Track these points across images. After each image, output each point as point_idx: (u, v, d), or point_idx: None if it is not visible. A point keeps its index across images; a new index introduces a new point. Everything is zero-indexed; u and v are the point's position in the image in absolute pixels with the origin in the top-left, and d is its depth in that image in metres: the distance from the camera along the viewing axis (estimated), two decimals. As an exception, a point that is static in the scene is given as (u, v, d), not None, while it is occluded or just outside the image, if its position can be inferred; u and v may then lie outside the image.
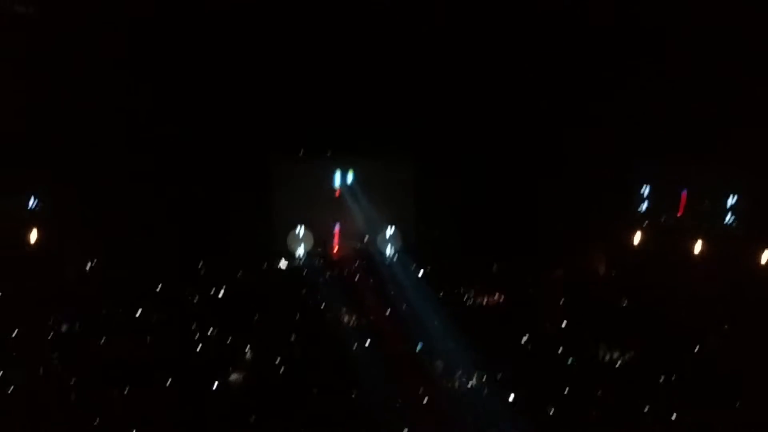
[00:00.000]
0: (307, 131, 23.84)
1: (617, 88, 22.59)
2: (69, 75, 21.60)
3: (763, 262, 22.24)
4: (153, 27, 21.77)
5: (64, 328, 17.92)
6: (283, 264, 24.26)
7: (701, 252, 23.81)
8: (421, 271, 22.75)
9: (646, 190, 26.19)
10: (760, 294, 19.75)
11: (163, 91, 22.46)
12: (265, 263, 23.91)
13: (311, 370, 16.17)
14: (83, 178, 22.54)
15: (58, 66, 21.30)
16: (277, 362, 16.58)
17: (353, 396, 15.27)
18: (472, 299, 20.64)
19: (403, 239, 25.14)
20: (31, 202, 24.37)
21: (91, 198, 22.62)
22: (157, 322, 18.47)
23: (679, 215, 25.87)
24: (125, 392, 14.88)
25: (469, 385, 15.68)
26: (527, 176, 23.65)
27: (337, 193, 25.46)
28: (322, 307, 19.82)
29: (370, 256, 24.46)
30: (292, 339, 17.78)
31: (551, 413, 15.03)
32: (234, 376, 16.58)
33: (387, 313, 19.13)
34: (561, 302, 20.14)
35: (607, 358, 17.20)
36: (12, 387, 14.81)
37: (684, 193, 25.54)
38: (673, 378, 15.91)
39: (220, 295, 20.48)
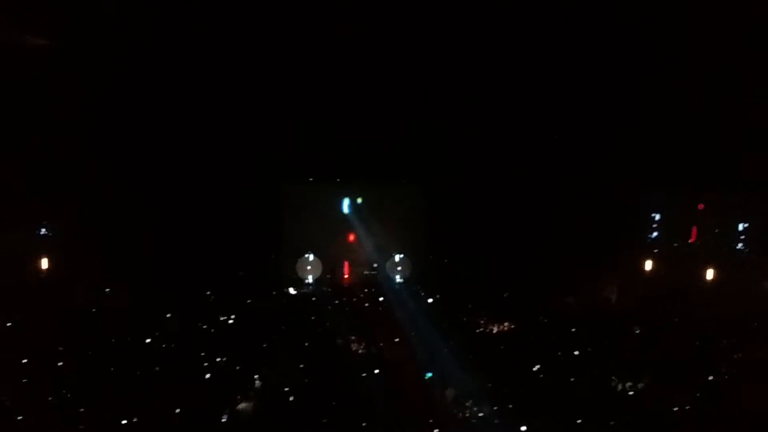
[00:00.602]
0: (317, 158, 23.96)
1: (628, 117, 22.65)
2: (79, 106, 21.84)
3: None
4: (166, 63, 22.05)
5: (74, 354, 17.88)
6: (292, 291, 24.24)
7: (714, 279, 23.65)
8: (431, 298, 22.65)
9: (657, 218, 26.14)
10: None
11: (174, 123, 22.69)
12: (275, 290, 23.89)
13: (321, 398, 16.02)
14: (94, 207, 22.71)
15: (68, 98, 21.55)
16: (286, 390, 16.44)
17: (363, 425, 15.12)
18: (482, 327, 20.49)
19: (413, 266, 25.10)
20: (42, 231, 24.59)
21: (102, 227, 22.76)
22: (166, 349, 18.42)
23: (691, 242, 25.77)
24: (135, 420, 14.77)
25: (480, 414, 15.49)
26: (538, 204, 23.64)
27: (347, 219, 25.51)
28: (331, 335, 19.71)
29: (380, 283, 24.40)
30: (302, 367, 17.64)
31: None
32: (242, 405, 16.46)
33: (397, 341, 18.99)
34: (573, 330, 19.97)
35: (620, 387, 16.99)
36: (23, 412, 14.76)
37: (696, 221, 25.45)
38: (686, 407, 15.68)
39: (230, 323, 20.42)
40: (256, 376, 17.26)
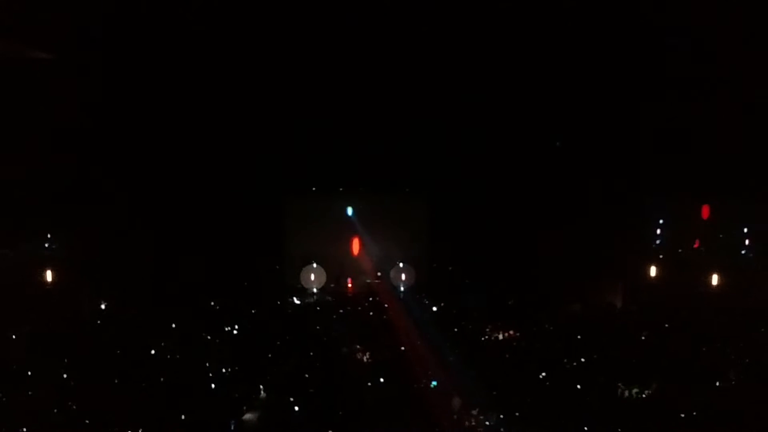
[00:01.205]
0: (320, 167, 23.98)
1: (633, 122, 22.63)
2: (83, 117, 21.91)
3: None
4: (171, 74, 22.13)
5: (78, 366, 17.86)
6: (296, 300, 24.20)
7: (719, 284, 23.57)
8: (436, 306, 22.59)
9: (662, 224, 26.08)
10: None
11: (177, 134, 22.75)
12: (279, 300, 23.87)
13: (326, 407, 15.97)
14: (98, 218, 22.73)
15: (72, 109, 21.62)
16: (291, 400, 16.40)
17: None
18: (487, 334, 20.43)
19: (417, 274, 25.04)
20: (46, 244, 24.62)
21: (106, 238, 22.78)
22: (171, 360, 18.39)
23: (695, 247, 25.72)
24: (139, 431, 14.75)
25: (487, 423, 15.43)
26: (542, 210, 23.60)
27: (350, 229, 25.48)
28: (336, 344, 19.66)
29: (384, 291, 24.35)
30: (307, 376, 17.60)
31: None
32: (248, 416, 16.42)
33: (401, 350, 18.94)
34: (578, 337, 19.90)
35: (627, 393, 16.92)
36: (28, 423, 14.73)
37: (702, 226, 25.38)
38: (694, 413, 15.60)
39: (235, 333, 20.40)
40: (261, 386, 17.23)
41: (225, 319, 21.03)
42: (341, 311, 22.11)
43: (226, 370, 17.77)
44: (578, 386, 16.77)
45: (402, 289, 24.88)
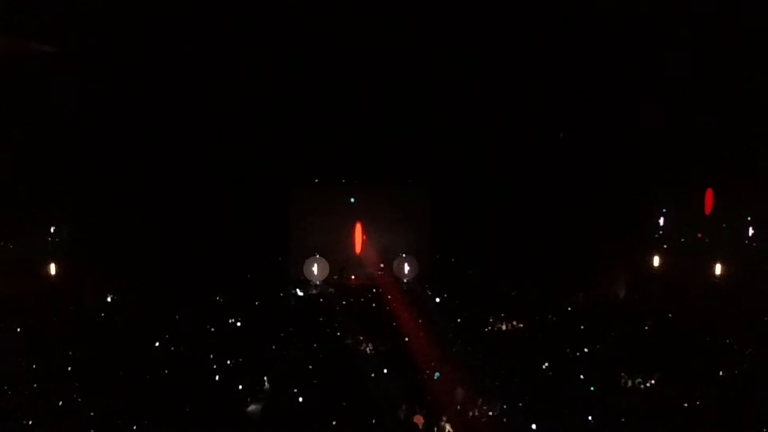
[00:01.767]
0: (324, 159, 24.00)
1: (636, 113, 22.58)
2: (88, 111, 21.94)
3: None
4: (174, 67, 22.15)
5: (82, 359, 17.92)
6: (299, 292, 24.25)
7: (723, 274, 23.55)
8: (439, 297, 22.61)
9: (665, 214, 26.06)
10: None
11: (181, 127, 22.78)
12: (283, 292, 23.92)
13: (330, 399, 16.00)
14: (101, 212, 22.79)
15: (76, 102, 21.65)
16: (295, 392, 16.42)
17: (373, 424, 15.10)
18: (491, 325, 20.43)
19: (420, 266, 25.07)
20: (51, 236, 24.70)
21: (110, 231, 22.84)
22: (175, 352, 18.43)
23: (699, 237, 25.70)
24: (145, 423, 14.78)
25: (490, 413, 15.44)
26: (546, 201, 23.59)
27: (354, 220, 25.51)
28: (339, 335, 19.70)
29: (387, 283, 24.38)
30: (310, 368, 17.63)
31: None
32: (252, 407, 16.47)
33: (405, 341, 18.96)
34: (582, 327, 19.90)
35: (630, 383, 16.91)
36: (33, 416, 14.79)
37: (704, 215, 25.35)
38: (697, 403, 15.59)
39: (238, 325, 20.44)
40: (265, 378, 17.28)
41: (229, 311, 21.08)
42: (344, 303, 22.13)
43: (230, 361, 17.80)
44: (581, 376, 16.75)
45: (405, 280, 24.93)
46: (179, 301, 21.43)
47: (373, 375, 16.87)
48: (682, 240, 26.09)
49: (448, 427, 14.96)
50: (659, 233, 26.36)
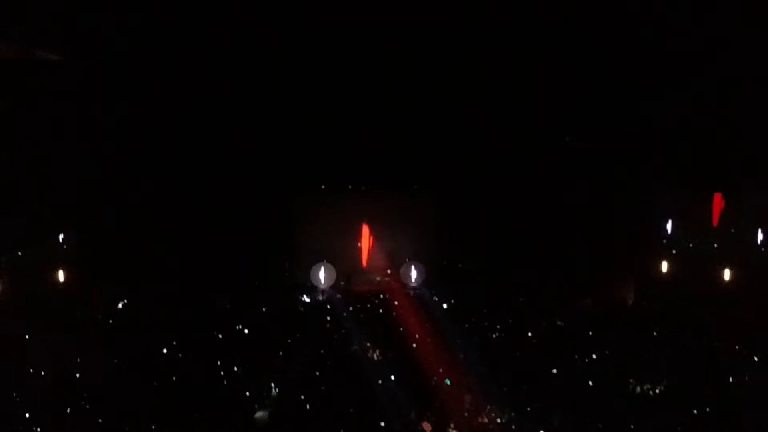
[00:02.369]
0: (330, 165, 24.02)
1: (643, 116, 22.53)
2: (96, 119, 22.03)
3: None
4: (180, 73, 22.22)
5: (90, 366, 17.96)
6: (306, 299, 24.25)
7: (732, 279, 23.44)
8: (446, 303, 22.57)
9: (673, 219, 25.96)
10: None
11: (188, 134, 22.85)
12: (290, 298, 23.92)
13: (337, 405, 15.99)
14: (109, 218, 22.86)
15: (82, 112, 21.74)
16: (303, 398, 16.42)
17: (381, 429, 15.08)
18: (498, 331, 20.38)
19: (426, 271, 25.04)
20: (59, 242, 24.78)
21: (117, 238, 22.90)
22: (183, 359, 18.46)
23: (708, 241, 25.58)
24: (152, 430, 14.81)
25: (499, 420, 15.40)
26: (552, 206, 23.55)
27: (360, 226, 25.51)
28: (346, 341, 19.69)
29: (393, 289, 24.36)
30: (318, 374, 17.63)
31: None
32: (260, 414, 16.47)
33: (413, 347, 18.93)
34: (590, 333, 19.84)
35: (639, 389, 16.85)
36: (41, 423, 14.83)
37: (714, 220, 25.25)
38: (706, 410, 15.52)
39: (246, 332, 20.45)
40: (272, 384, 17.29)
41: (236, 317, 21.10)
42: (351, 309, 22.12)
43: (238, 368, 17.81)
44: (590, 382, 16.70)
45: (411, 286, 24.90)
46: (187, 307, 21.44)
47: (380, 381, 16.86)
48: (691, 245, 25.98)
49: None
50: (667, 238, 26.24)
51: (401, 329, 20.13)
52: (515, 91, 22.97)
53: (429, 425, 14.97)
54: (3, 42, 18.95)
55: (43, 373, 17.11)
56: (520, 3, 21.74)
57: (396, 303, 22.50)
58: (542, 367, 17.48)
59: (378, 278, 25.66)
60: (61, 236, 24.89)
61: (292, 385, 17.13)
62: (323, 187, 25.16)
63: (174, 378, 17.08)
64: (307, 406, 16.03)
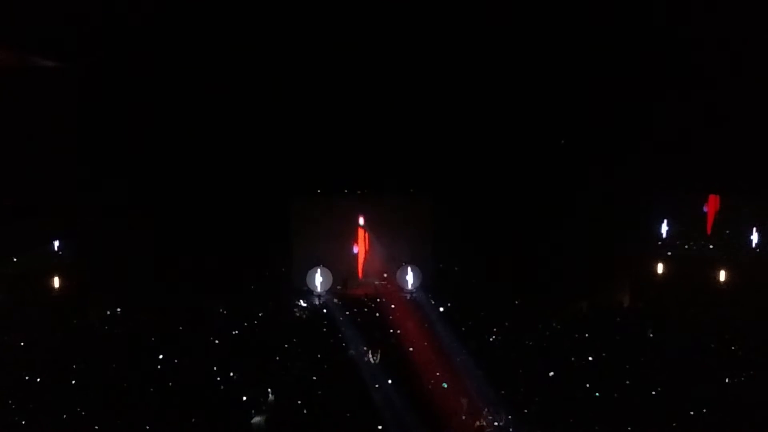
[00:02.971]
0: (326, 169, 24.01)
1: (640, 120, 22.58)
2: (90, 123, 22.01)
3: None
4: (175, 75, 22.22)
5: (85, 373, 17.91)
6: (303, 303, 24.22)
7: (728, 280, 23.50)
8: (443, 307, 22.57)
9: (668, 221, 26.03)
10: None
11: (184, 139, 22.83)
12: (286, 303, 23.89)
13: (335, 409, 15.98)
14: (105, 223, 22.82)
15: (79, 117, 21.73)
16: (299, 403, 16.41)
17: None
18: (495, 334, 20.38)
19: (423, 275, 25.05)
20: (54, 248, 24.74)
21: (112, 243, 22.86)
22: (179, 364, 18.41)
23: (704, 243, 25.64)
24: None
25: (496, 423, 15.41)
26: (548, 209, 23.57)
27: (357, 230, 25.50)
28: (343, 346, 19.68)
29: (391, 292, 24.35)
30: (315, 379, 17.61)
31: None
32: (257, 419, 16.45)
33: (410, 350, 18.93)
34: (586, 335, 19.86)
35: (635, 391, 16.85)
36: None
37: (709, 223, 25.31)
38: (703, 410, 15.55)
39: (242, 337, 20.41)
40: (269, 389, 17.26)
41: (232, 322, 21.06)
42: (348, 313, 22.11)
43: (234, 373, 17.78)
44: (587, 385, 16.72)
45: (408, 289, 24.90)
46: (182, 312, 21.41)
47: (377, 385, 16.85)
48: (686, 247, 26.04)
49: None
50: (663, 240, 26.30)
51: (398, 333, 20.11)
52: (511, 93, 23.01)
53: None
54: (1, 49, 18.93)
55: (39, 379, 17.02)
56: (517, 6, 21.79)
57: (393, 307, 22.48)
58: (539, 369, 17.48)
59: (375, 282, 25.66)
60: (56, 243, 24.86)
61: (288, 390, 17.10)
62: (319, 191, 25.14)
63: (170, 383, 17.03)
64: (304, 411, 16.01)
